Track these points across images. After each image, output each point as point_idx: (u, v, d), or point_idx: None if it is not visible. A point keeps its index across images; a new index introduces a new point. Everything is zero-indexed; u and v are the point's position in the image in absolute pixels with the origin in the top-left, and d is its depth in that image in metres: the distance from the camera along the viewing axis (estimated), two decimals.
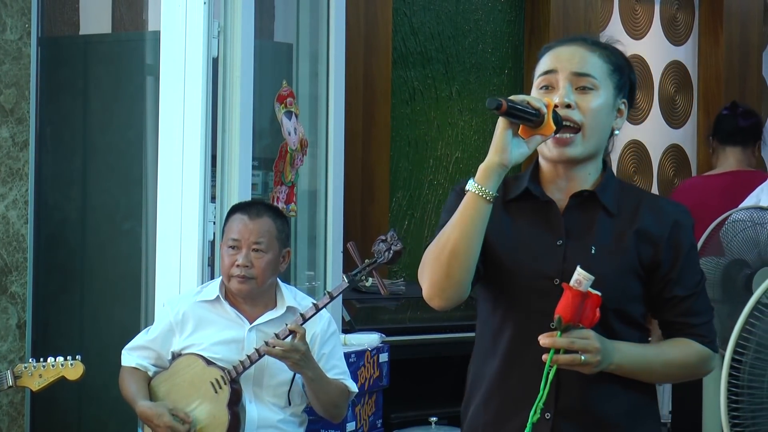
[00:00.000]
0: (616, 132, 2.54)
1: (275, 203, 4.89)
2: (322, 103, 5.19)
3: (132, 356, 4.00)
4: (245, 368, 3.83)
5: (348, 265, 4.85)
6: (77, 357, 3.94)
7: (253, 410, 3.88)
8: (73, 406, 5.07)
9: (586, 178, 2.52)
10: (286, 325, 3.81)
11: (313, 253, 5.19)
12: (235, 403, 3.84)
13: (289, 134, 5.01)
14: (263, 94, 4.85)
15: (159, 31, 4.51)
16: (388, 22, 6.17)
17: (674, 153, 8.24)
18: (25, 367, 3.93)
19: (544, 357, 2.35)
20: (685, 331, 2.52)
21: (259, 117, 4.76)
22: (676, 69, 8.24)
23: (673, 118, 8.25)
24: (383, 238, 3.74)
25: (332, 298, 3.83)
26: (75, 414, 5.10)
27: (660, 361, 2.49)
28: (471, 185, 2.39)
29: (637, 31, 7.97)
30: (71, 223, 5.17)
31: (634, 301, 2.50)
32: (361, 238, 5.52)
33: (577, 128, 2.47)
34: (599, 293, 2.33)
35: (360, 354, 4.57)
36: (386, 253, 3.73)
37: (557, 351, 2.35)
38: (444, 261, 2.41)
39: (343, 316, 5.09)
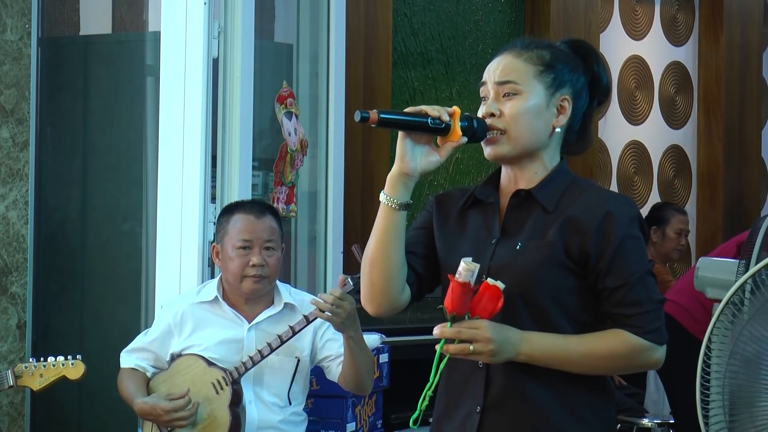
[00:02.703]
0: (558, 129, 2.56)
1: (275, 204, 4.90)
2: (323, 103, 5.20)
3: (131, 358, 4.00)
4: (247, 369, 3.83)
5: (350, 267, 4.85)
6: (78, 356, 3.94)
7: (254, 411, 3.88)
8: (73, 406, 5.07)
9: (532, 177, 2.56)
10: (289, 326, 3.82)
11: (313, 254, 5.20)
12: (236, 403, 3.84)
13: (290, 135, 5.01)
14: (263, 95, 4.85)
15: (159, 32, 4.51)
16: (388, 23, 6.17)
17: (674, 153, 8.24)
18: (26, 367, 3.93)
19: (437, 347, 2.40)
20: (619, 322, 2.49)
21: (260, 117, 4.77)
22: (676, 69, 8.25)
23: (674, 118, 8.26)
24: None
25: None
26: (75, 414, 5.10)
27: (580, 351, 2.47)
28: (381, 195, 2.49)
29: (637, 32, 7.98)
30: (71, 224, 5.17)
31: (566, 294, 2.49)
32: (361, 239, 5.50)
33: (503, 133, 2.53)
34: (499, 285, 2.36)
35: None
36: None
37: (451, 341, 2.39)
38: (366, 270, 2.54)
39: None
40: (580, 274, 2.49)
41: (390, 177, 2.49)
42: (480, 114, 2.54)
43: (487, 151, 2.54)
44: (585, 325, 2.51)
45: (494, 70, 2.56)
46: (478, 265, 2.35)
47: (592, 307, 2.52)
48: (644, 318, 2.48)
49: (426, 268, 2.59)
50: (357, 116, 2.40)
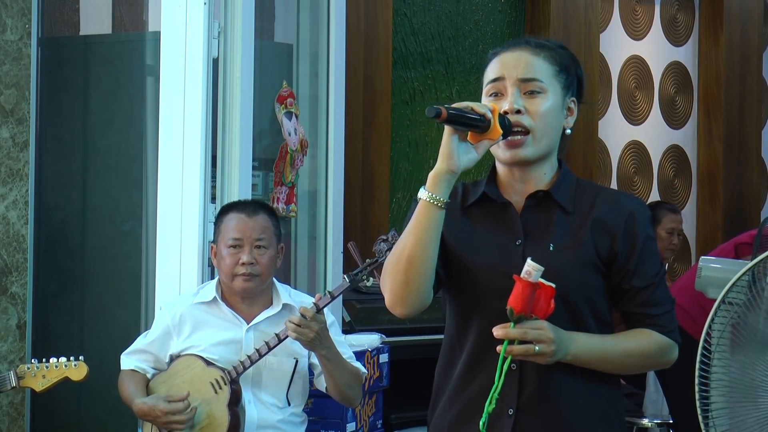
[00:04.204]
0: (568, 131, 2.57)
1: (275, 204, 4.89)
2: (323, 103, 5.19)
3: (131, 360, 4.00)
4: (245, 368, 3.83)
5: (348, 265, 4.85)
6: (80, 358, 3.94)
7: (253, 411, 3.88)
8: (73, 406, 5.07)
9: (541, 178, 2.56)
10: (286, 324, 3.82)
11: (313, 254, 5.20)
12: (235, 403, 3.84)
13: (290, 135, 5.01)
14: (263, 95, 4.85)
15: (159, 32, 4.51)
16: (388, 23, 6.17)
17: (674, 153, 8.24)
18: (28, 368, 3.92)
19: (499, 348, 2.38)
20: (644, 321, 2.54)
21: (260, 117, 4.77)
22: (676, 69, 8.25)
23: (674, 118, 8.26)
24: (384, 237, 3.74)
25: (333, 298, 3.83)
26: (75, 414, 5.10)
27: (618, 351, 2.51)
28: (422, 193, 2.44)
29: (637, 32, 7.98)
30: (71, 224, 5.16)
31: (597, 295, 2.52)
32: (361, 238, 5.52)
33: (527, 132, 2.51)
34: (553, 285, 2.35)
35: (360, 355, 4.56)
36: (387, 253, 3.72)
37: (512, 342, 2.37)
38: (402, 270, 2.45)
39: (343, 317, 5.09)
40: (606, 275, 2.52)
41: (435, 175, 2.43)
42: (488, 109, 2.47)
43: (509, 154, 2.51)
44: (607, 325, 2.55)
45: (514, 66, 2.52)
46: (542, 267, 2.34)
47: (612, 307, 2.57)
48: (666, 317, 2.55)
49: (444, 268, 2.55)
50: (431, 112, 2.36)
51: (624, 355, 2.52)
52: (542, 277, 2.36)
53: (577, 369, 2.48)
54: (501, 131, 2.43)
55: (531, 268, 2.34)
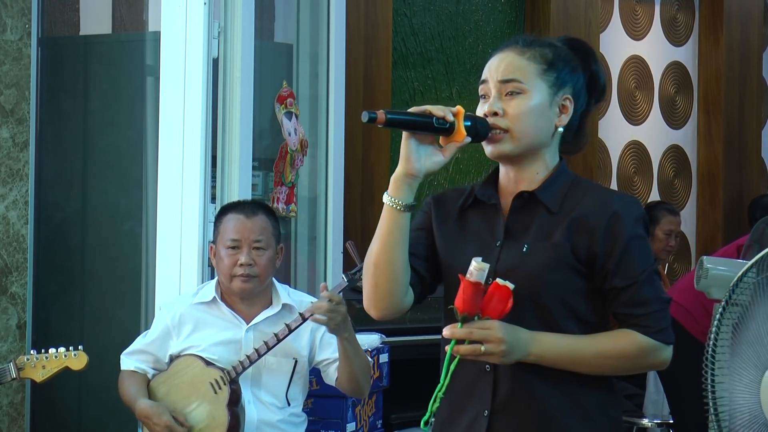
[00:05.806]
0: (560, 129, 2.55)
1: (275, 204, 4.90)
2: (323, 103, 5.20)
3: (131, 360, 4.00)
4: (244, 368, 3.84)
5: (347, 265, 4.85)
6: (79, 347, 3.93)
7: (252, 411, 3.89)
8: (73, 406, 5.07)
9: (534, 177, 2.54)
10: (285, 324, 3.82)
11: (313, 254, 5.20)
12: (235, 403, 3.84)
13: (290, 135, 5.01)
14: (263, 95, 4.86)
15: (159, 32, 4.52)
16: (388, 23, 6.17)
17: (674, 153, 8.24)
18: (27, 359, 3.91)
19: (447, 348, 2.38)
20: (627, 321, 2.49)
21: (260, 117, 4.77)
22: (676, 69, 8.24)
23: (674, 118, 8.26)
24: None
25: None
26: (75, 414, 5.10)
27: (591, 352, 2.46)
28: (384, 197, 2.45)
29: (637, 32, 7.98)
30: (71, 224, 5.17)
31: (575, 296, 2.49)
32: (361, 239, 5.51)
33: (505, 132, 2.51)
34: (509, 285, 2.34)
35: None
36: None
37: (461, 342, 2.36)
38: (370, 273, 2.50)
39: None
40: (587, 276, 2.49)
41: (394, 179, 2.45)
42: (480, 112, 2.51)
43: (489, 149, 2.51)
44: (593, 326, 2.51)
45: (496, 68, 2.53)
46: (488, 265, 2.33)
47: (600, 308, 2.52)
48: (652, 318, 2.48)
49: (428, 270, 2.56)
50: (365, 117, 2.36)
51: (598, 357, 2.46)
52: (512, 278, 2.35)
53: (555, 370, 2.46)
54: (465, 133, 2.43)
55: (473, 268, 2.33)
